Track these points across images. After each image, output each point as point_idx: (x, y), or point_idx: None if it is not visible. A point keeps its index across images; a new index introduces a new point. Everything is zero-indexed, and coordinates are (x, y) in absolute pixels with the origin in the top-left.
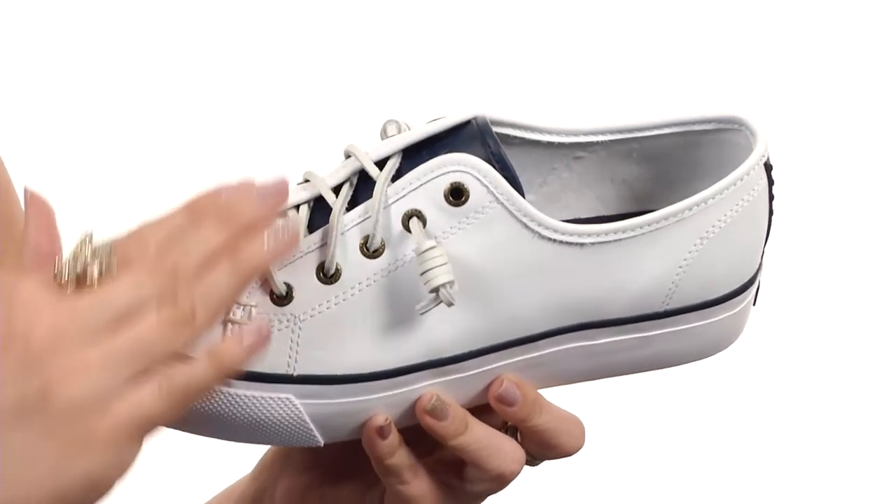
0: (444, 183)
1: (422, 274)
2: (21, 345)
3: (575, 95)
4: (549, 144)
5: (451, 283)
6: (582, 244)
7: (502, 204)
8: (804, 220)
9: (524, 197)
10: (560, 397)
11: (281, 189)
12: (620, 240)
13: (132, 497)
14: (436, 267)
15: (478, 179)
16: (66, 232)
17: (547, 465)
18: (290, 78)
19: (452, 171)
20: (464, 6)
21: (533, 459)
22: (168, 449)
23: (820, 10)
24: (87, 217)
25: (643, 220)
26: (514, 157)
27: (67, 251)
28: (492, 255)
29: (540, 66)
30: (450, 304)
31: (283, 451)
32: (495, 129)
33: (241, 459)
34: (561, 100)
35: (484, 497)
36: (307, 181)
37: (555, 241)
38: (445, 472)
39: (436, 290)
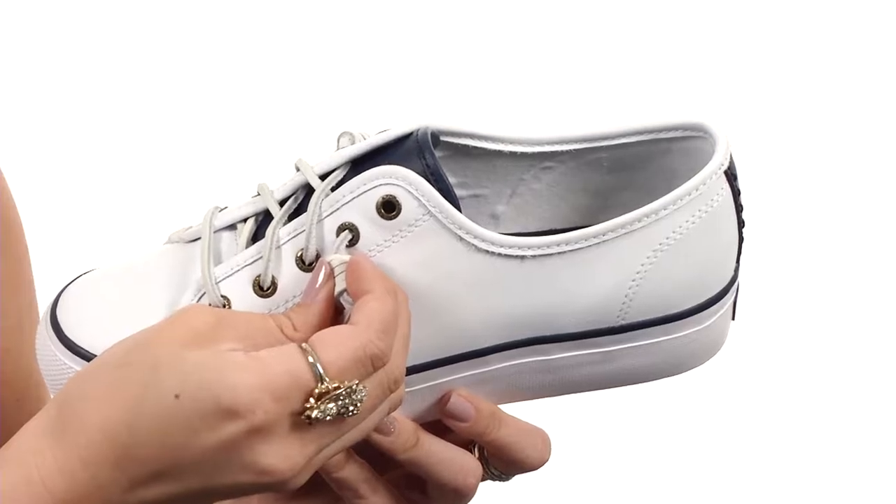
0: (376, 196)
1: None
2: (274, 478)
3: (542, 106)
4: (513, 155)
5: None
6: (522, 257)
7: (435, 217)
8: (799, 231)
9: (460, 211)
10: (547, 411)
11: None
12: (564, 252)
13: None
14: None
15: (409, 192)
16: (57, 241)
17: (523, 477)
18: (280, 81)
19: (384, 184)
20: (427, 18)
21: (501, 475)
22: None
23: (796, 14)
24: (81, 216)
25: (588, 232)
26: (477, 168)
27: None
28: (427, 268)
29: (506, 76)
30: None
31: None
32: (453, 139)
33: None
34: (526, 110)
35: None
36: (259, 194)
37: (493, 253)
38: (409, 487)
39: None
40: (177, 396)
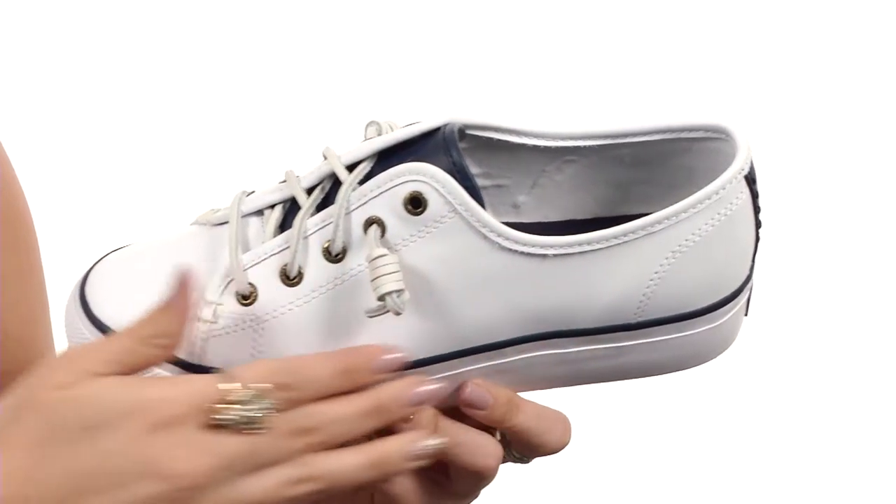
0: (404, 192)
1: (372, 281)
2: (177, 483)
3: (568, 99)
4: (536, 148)
5: (398, 291)
6: (545, 255)
7: (461, 215)
8: (814, 228)
9: (484, 208)
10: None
11: (435, 395)
12: (585, 252)
13: None
14: (385, 275)
15: (436, 190)
16: (66, 232)
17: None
18: (293, 77)
19: (412, 181)
20: (458, 10)
21: (522, 457)
22: None
23: (819, 15)
24: (88, 215)
25: (609, 233)
26: (500, 159)
27: (234, 392)
28: (450, 264)
29: (532, 70)
30: (397, 313)
31: None
32: (478, 132)
33: None
34: (552, 103)
35: (471, 494)
36: (285, 181)
37: (516, 252)
38: (432, 468)
39: (383, 297)
40: (83, 428)
